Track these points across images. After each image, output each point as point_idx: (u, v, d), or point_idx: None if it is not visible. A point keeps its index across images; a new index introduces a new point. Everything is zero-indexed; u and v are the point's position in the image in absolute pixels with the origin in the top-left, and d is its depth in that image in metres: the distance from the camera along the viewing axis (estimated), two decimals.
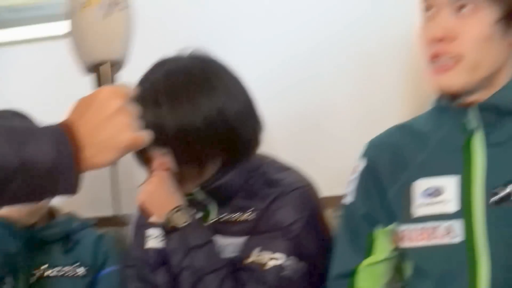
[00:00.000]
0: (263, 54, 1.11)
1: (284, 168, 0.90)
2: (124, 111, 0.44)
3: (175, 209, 0.81)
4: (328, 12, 1.09)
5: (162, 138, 0.73)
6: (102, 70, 0.84)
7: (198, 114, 0.79)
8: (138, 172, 0.92)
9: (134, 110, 0.46)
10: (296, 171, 0.89)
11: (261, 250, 0.82)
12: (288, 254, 0.81)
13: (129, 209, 1.01)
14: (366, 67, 1.09)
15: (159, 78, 0.80)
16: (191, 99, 0.79)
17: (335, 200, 0.89)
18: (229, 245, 0.85)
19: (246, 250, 0.83)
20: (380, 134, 0.86)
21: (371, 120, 1.07)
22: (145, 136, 0.47)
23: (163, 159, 0.80)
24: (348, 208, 0.84)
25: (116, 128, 0.43)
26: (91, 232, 1.07)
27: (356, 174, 0.84)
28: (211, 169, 0.82)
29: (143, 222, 0.90)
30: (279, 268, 0.81)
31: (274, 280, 0.81)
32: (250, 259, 0.82)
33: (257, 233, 0.83)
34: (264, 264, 0.81)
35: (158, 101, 0.78)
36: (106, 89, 0.49)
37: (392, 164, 0.81)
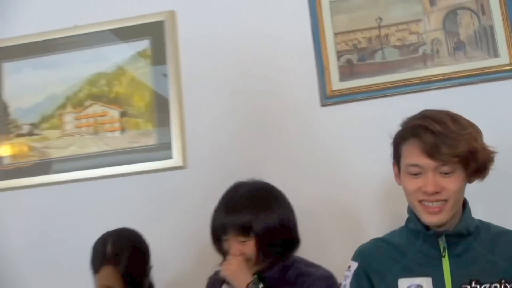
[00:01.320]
0: None
1: (312, 264, 1.24)
2: None
3: (251, 282, 1.13)
4: None
5: (248, 234, 1.13)
6: None
7: (276, 219, 1.17)
8: None
9: None
10: (321, 266, 1.22)
11: None
12: None
13: None
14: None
15: (245, 193, 1.18)
16: (272, 208, 1.17)
17: None
18: None
19: None
20: (366, 243, 1.16)
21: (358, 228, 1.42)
22: None
23: (241, 247, 1.15)
24: None
25: None
26: None
27: (350, 273, 1.13)
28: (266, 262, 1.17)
29: None
30: None
31: None
32: None
33: None
34: None
35: (243, 210, 1.15)
36: None
37: (379, 266, 1.10)
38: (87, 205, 1.57)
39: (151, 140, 1.59)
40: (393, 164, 1.13)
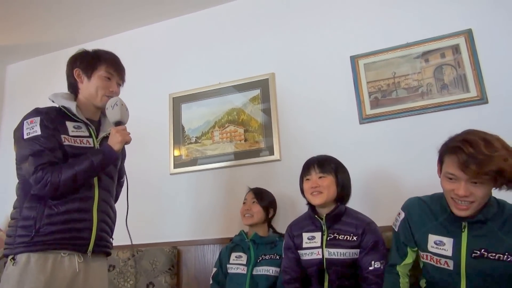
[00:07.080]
0: None
1: (357, 212, 1.63)
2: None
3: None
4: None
5: (326, 172, 1.64)
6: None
7: (343, 171, 1.65)
8: None
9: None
10: (362, 213, 1.61)
11: None
12: None
13: None
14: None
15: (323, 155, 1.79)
16: (341, 165, 1.70)
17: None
18: None
19: None
20: (412, 198, 1.35)
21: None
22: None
23: (319, 181, 1.57)
24: (396, 233, 1.37)
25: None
26: None
27: (399, 218, 1.35)
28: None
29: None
30: None
31: None
32: None
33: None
34: None
35: (323, 156, 1.74)
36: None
37: (417, 220, 1.28)
38: (229, 184, 2.45)
39: (261, 145, 2.42)
40: (438, 162, 1.25)
